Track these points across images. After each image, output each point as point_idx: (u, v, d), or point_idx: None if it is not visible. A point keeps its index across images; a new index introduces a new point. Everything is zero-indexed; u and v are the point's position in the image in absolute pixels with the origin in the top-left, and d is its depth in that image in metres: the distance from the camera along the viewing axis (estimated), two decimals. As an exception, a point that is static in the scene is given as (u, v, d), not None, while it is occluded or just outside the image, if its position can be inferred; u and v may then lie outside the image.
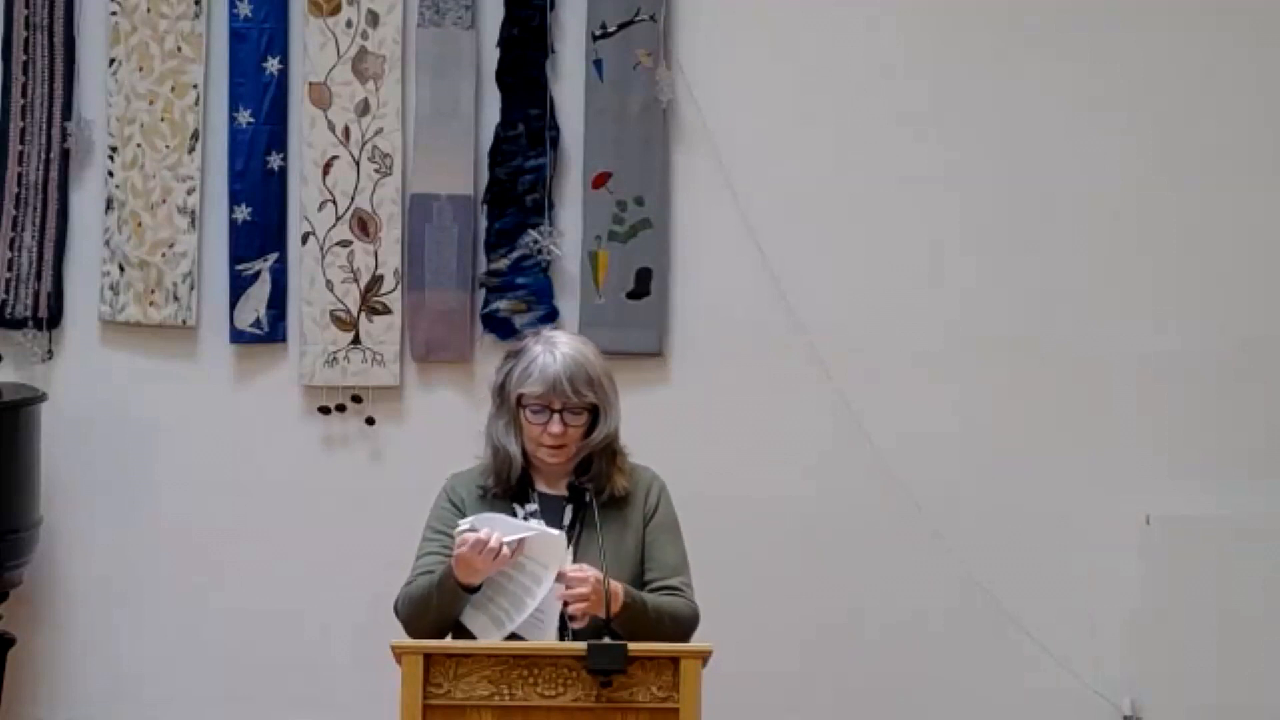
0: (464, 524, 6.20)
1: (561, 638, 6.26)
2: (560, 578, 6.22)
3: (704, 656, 6.15)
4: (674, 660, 6.13)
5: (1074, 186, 8.66)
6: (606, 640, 6.14)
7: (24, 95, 8.70)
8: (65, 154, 8.72)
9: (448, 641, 6.26)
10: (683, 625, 6.33)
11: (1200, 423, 8.64)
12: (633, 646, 6.12)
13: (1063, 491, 8.64)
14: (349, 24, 8.67)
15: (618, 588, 6.25)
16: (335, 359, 8.74)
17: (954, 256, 8.63)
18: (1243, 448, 8.64)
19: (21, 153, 8.73)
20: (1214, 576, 8.57)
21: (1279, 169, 8.63)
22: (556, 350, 6.37)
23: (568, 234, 8.71)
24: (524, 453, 6.42)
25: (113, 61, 8.69)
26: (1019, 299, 8.63)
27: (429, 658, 6.13)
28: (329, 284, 8.71)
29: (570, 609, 6.19)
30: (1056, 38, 8.58)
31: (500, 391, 6.43)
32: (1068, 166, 8.59)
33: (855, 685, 8.65)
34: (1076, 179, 8.62)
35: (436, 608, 6.26)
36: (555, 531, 6.27)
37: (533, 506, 6.43)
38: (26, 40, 8.68)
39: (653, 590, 6.38)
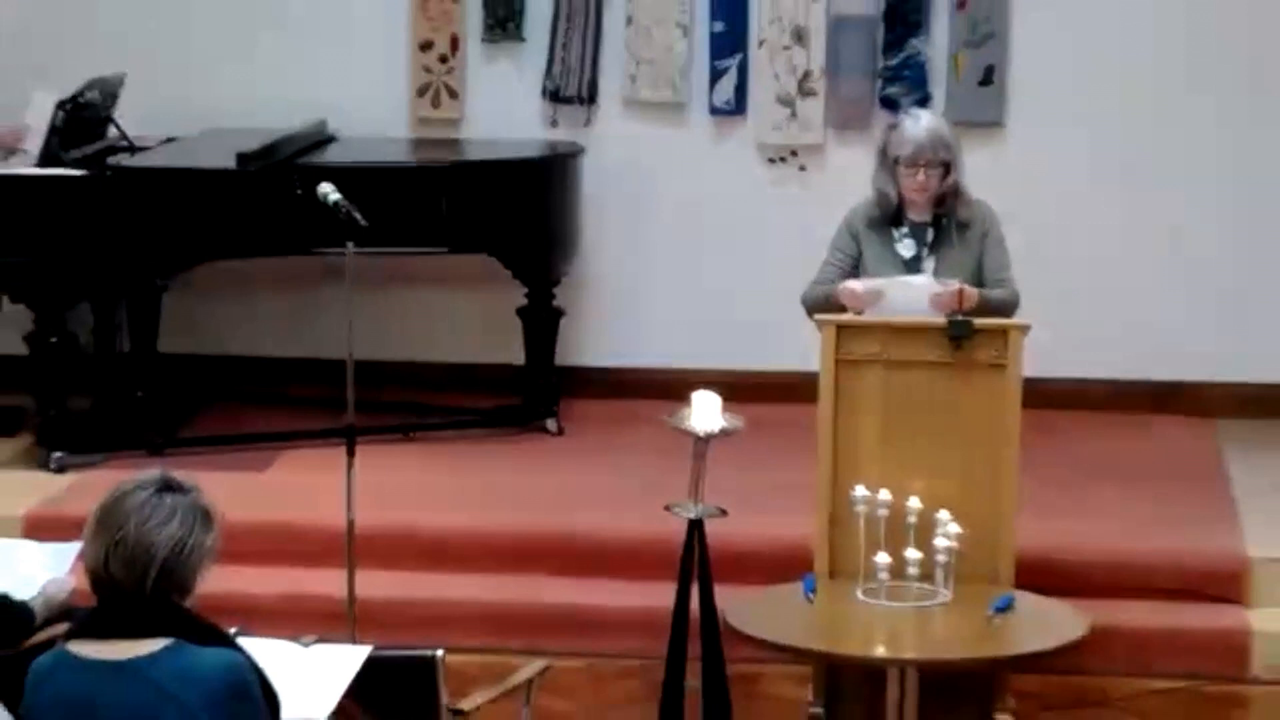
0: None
1: None
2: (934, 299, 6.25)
3: (1024, 330, 6.16)
4: (1004, 332, 6.16)
5: None
6: (960, 316, 6.17)
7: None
8: None
9: (852, 316, 6.26)
10: (1009, 307, 6.38)
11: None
12: (977, 321, 6.17)
13: None
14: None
15: (972, 291, 6.26)
16: (780, 126, 8.82)
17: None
18: None
19: None
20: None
21: None
22: (920, 124, 6.41)
23: (937, 42, 8.70)
24: (898, 194, 6.43)
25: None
26: None
27: (840, 328, 6.21)
28: (776, 76, 8.78)
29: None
30: None
31: (882, 153, 6.46)
32: None
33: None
34: None
35: (825, 310, 6.35)
36: (920, 280, 6.31)
37: (904, 230, 6.45)
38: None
39: (989, 283, 6.40)
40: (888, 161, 6.43)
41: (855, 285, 6.33)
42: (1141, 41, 8.62)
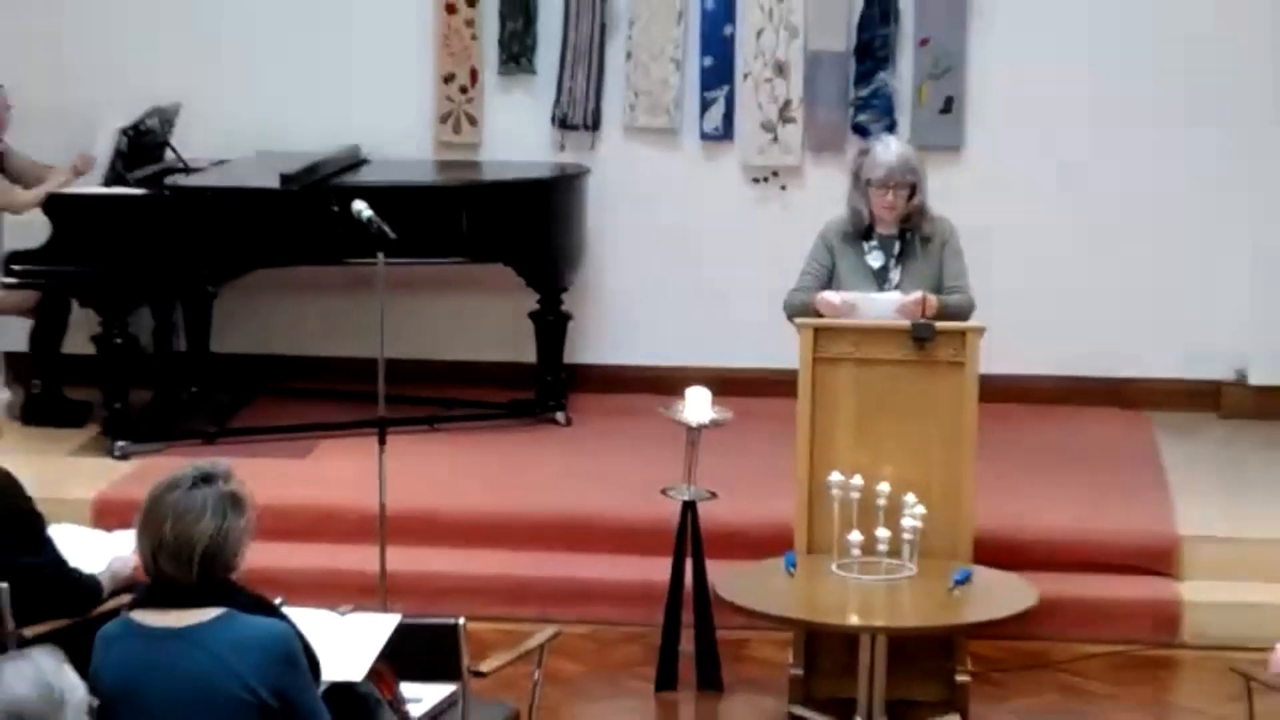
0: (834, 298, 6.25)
1: None
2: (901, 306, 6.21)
3: (980, 331, 6.16)
4: (962, 333, 6.16)
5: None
6: (923, 320, 6.17)
7: (579, -11, 8.77)
8: (604, 26, 8.75)
9: (827, 320, 6.22)
10: (965, 311, 6.34)
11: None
12: (938, 324, 6.15)
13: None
14: (769, -53, 8.64)
15: (933, 298, 6.22)
16: (763, 149, 8.79)
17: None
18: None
19: (577, 24, 8.75)
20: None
21: None
22: (890, 151, 6.38)
23: (902, 75, 8.68)
24: (869, 211, 6.40)
25: (626, -32, 8.76)
26: None
27: (817, 330, 6.19)
28: (759, 105, 8.75)
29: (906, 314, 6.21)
30: None
31: (856, 175, 6.43)
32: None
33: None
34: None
35: (804, 314, 6.27)
36: (888, 297, 6.26)
37: (874, 244, 6.40)
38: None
39: (947, 289, 6.35)
40: (860, 183, 6.40)
41: (832, 296, 6.31)
42: (1081, 75, 8.59)
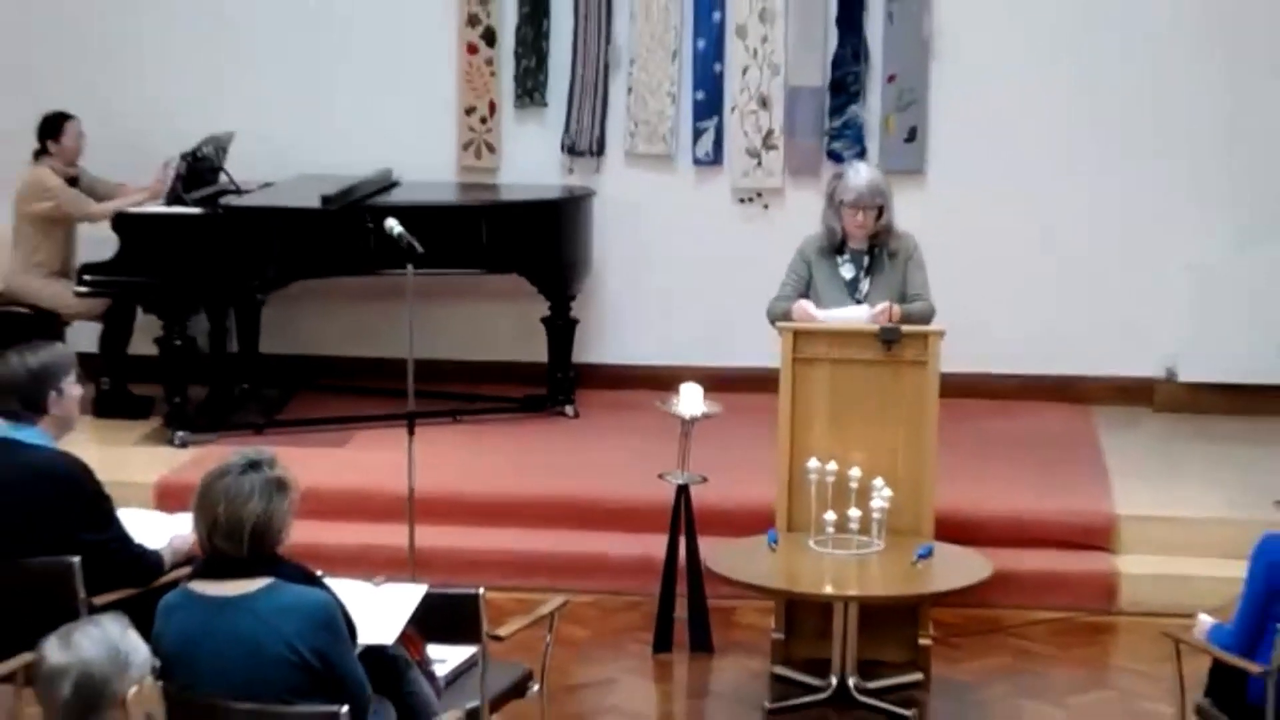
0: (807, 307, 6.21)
1: None
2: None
3: (940, 335, 6.11)
4: (925, 336, 6.12)
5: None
6: (890, 324, 6.13)
7: (584, 31, 8.74)
8: (607, 64, 8.75)
9: (805, 323, 6.17)
10: (927, 316, 6.29)
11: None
12: (903, 329, 6.11)
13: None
14: (756, -4, 8.64)
15: (898, 308, 6.18)
16: (748, 173, 8.78)
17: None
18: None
19: (583, 62, 8.76)
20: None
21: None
22: (861, 176, 6.33)
23: (872, 107, 8.67)
24: (842, 229, 6.35)
25: (632, 15, 8.75)
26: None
27: (796, 333, 6.16)
28: (745, 134, 8.75)
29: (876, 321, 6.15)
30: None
31: (830, 197, 6.38)
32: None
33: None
34: None
35: (784, 320, 6.22)
36: (859, 310, 6.21)
37: (846, 257, 6.35)
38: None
39: (910, 297, 6.30)
40: (834, 204, 6.36)
41: (808, 305, 6.28)
42: (1029, 108, 8.58)
